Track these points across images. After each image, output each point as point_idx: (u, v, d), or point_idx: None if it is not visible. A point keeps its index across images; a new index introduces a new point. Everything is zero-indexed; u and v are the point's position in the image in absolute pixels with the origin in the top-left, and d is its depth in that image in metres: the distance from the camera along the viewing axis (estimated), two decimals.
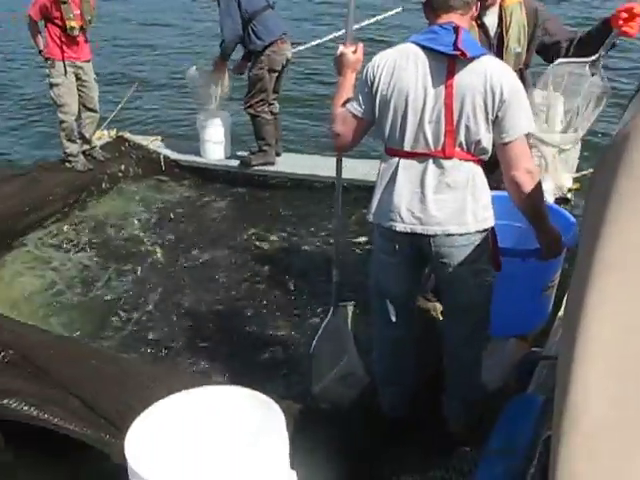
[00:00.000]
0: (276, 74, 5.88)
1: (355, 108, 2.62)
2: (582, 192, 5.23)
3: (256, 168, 6.14)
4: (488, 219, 2.59)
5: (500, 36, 3.33)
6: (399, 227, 2.58)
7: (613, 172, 1.20)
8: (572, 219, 3.34)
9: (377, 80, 2.52)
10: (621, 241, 1.13)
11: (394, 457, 2.86)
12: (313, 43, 6.78)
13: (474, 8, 2.57)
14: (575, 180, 5.30)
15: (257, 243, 5.22)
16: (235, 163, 6.27)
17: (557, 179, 5.08)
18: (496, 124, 2.46)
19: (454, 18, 2.48)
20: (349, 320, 3.29)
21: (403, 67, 2.48)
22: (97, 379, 3.17)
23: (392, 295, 2.80)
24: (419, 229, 2.55)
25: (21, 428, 3.15)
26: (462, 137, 2.47)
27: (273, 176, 6.23)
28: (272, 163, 6.14)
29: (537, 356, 3.12)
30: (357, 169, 5.48)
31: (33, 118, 8.91)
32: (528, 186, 2.51)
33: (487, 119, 2.45)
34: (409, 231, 2.57)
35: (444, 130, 2.47)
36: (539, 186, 2.57)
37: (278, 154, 6.24)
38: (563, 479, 1.02)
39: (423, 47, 2.47)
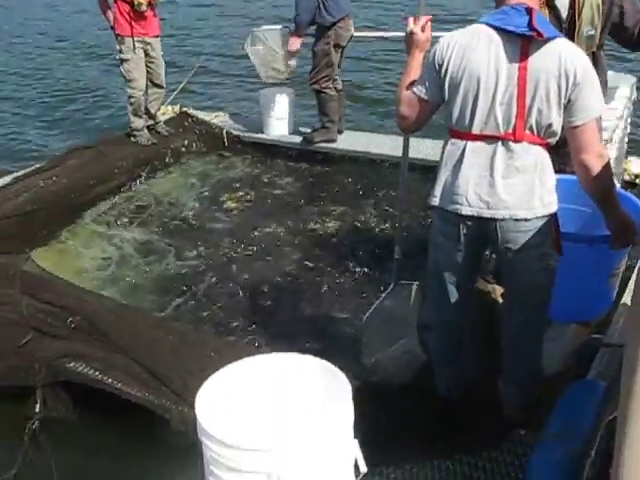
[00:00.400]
0: (340, 50, 5.85)
1: (421, 91, 2.57)
2: None
3: (318, 145, 6.15)
4: (553, 203, 2.54)
5: (572, 19, 3.21)
6: (465, 211, 2.52)
7: None
8: None
9: (446, 63, 2.46)
10: None
11: (447, 437, 2.85)
12: (379, 34, 6.72)
13: None
14: None
15: (319, 220, 5.22)
16: (297, 140, 6.28)
17: (624, 163, 4.98)
18: (568, 108, 2.40)
19: None
20: (411, 300, 3.27)
21: (474, 48, 2.41)
22: (159, 347, 3.25)
23: (451, 278, 2.75)
24: (486, 213, 2.50)
25: (86, 391, 3.27)
26: (533, 120, 2.41)
27: (335, 153, 6.21)
28: (334, 140, 6.12)
29: (598, 343, 3.06)
30: (420, 149, 5.43)
31: (102, 92, 9.12)
32: (598, 170, 2.45)
33: (559, 103, 2.39)
34: (475, 215, 2.51)
35: (515, 113, 2.41)
36: (609, 170, 2.51)
37: (340, 131, 6.23)
38: (630, 460, 1.00)
39: (495, 28, 2.41)
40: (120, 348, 3.27)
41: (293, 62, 6.06)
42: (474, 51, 2.42)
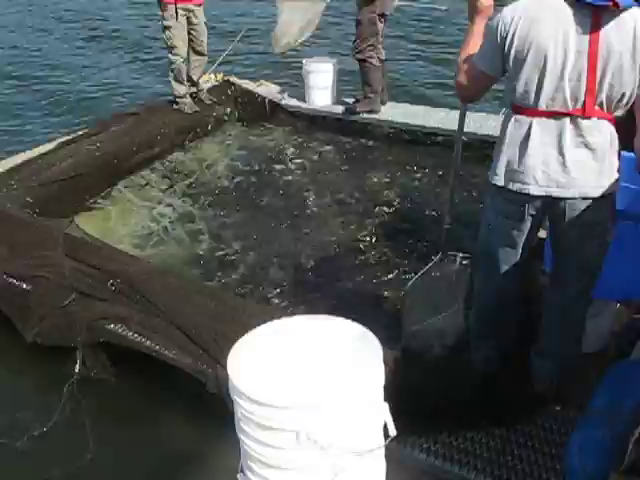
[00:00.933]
0: (384, 19, 5.77)
1: (482, 63, 2.47)
2: None
3: (361, 115, 6.09)
4: (617, 180, 2.48)
5: None
6: (533, 190, 2.44)
7: None
8: None
9: (510, 35, 2.33)
10: None
11: (482, 410, 2.84)
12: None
13: None
14: None
15: (361, 191, 5.20)
16: (340, 110, 6.24)
17: None
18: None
19: None
20: (457, 271, 3.23)
21: (541, 19, 2.29)
22: (197, 311, 3.27)
23: (504, 258, 2.69)
24: (556, 192, 2.43)
25: (125, 354, 3.33)
26: (604, 96, 2.32)
27: (378, 124, 6.14)
28: (377, 111, 6.07)
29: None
30: (470, 123, 5.35)
31: (146, 59, 9.16)
32: None
33: (635, 78, 2.30)
34: (544, 194, 2.44)
35: (585, 89, 2.31)
36: None
37: (384, 102, 6.16)
38: None
39: None
40: (159, 311, 3.30)
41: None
42: (541, 23, 2.29)
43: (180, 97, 6.22)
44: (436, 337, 3.13)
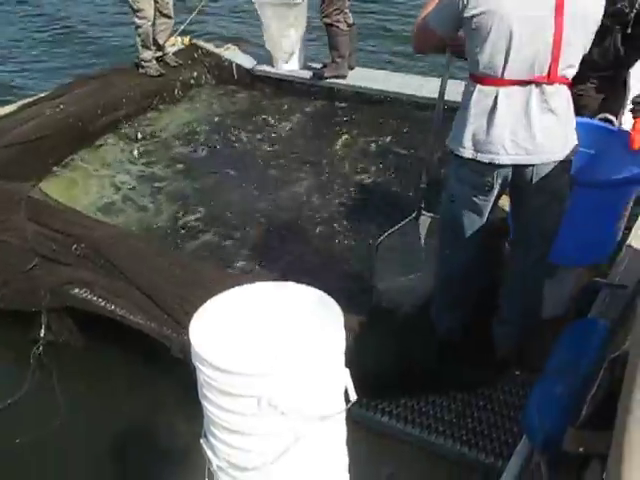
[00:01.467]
0: None
1: (434, 23, 2.47)
2: None
3: (328, 80, 6.06)
4: (577, 142, 2.53)
5: None
6: (502, 160, 2.45)
7: None
8: None
9: (472, 6, 2.30)
10: None
11: (444, 374, 2.90)
12: None
13: None
14: None
15: (329, 156, 5.19)
16: (307, 75, 6.20)
17: None
18: None
19: None
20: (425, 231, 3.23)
21: None
22: (162, 276, 3.27)
23: (469, 229, 2.72)
24: (524, 159, 2.45)
25: (92, 318, 3.32)
26: (568, 62, 2.36)
27: (345, 89, 6.11)
28: (344, 76, 6.03)
29: (598, 285, 3.07)
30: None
31: (109, 22, 9.00)
32: None
33: (589, 40, 2.36)
34: (512, 162, 2.46)
35: (551, 57, 2.32)
36: None
37: (351, 67, 6.13)
38: None
39: None
40: (124, 276, 3.29)
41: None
42: None
43: (146, 61, 6.11)
44: (406, 296, 3.16)
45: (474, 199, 2.61)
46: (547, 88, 2.38)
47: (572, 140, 2.49)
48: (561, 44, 2.30)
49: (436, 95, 2.85)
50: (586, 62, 2.77)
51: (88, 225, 3.67)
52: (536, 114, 2.40)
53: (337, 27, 5.73)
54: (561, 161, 2.47)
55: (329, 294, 1.87)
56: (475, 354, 2.96)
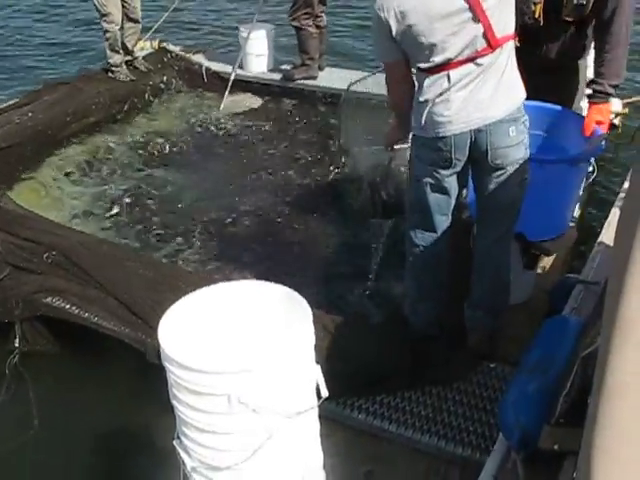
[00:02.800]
0: None
1: (383, 58, 2.67)
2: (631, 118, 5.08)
3: (298, 82, 6.07)
4: (523, 95, 2.61)
5: None
6: (454, 129, 2.56)
7: None
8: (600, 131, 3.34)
9: (393, 17, 2.46)
10: None
11: (418, 370, 2.91)
12: None
13: None
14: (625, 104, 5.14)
15: (296, 156, 5.22)
16: (277, 77, 6.20)
17: None
18: None
19: None
20: None
21: None
22: (134, 280, 3.27)
23: (438, 209, 2.78)
24: (474, 123, 2.54)
25: (67, 325, 3.30)
26: (502, 24, 2.44)
27: (315, 90, 6.13)
28: (314, 77, 6.05)
29: (573, 281, 3.11)
30: None
31: (78, 28, 8.92)
32: None
33: None
34: (464, 130, 2.55)
35: (482, 29, 2.41)
36: None
37: (321, 68, 6.14)
38: (611, 388, 1.03)
39: None
40: (97, 282, 3.27)
41: None
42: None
43: (115, 65, 6.08)
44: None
45: (436, 175, 2.69)
46: (491, 54, 2.47)
47: (519, 90, 2.59)
48: (485, 14, 2.39)
49: None
50: (543, 60, 2.86)
51: (59, 232, 3.64)
52: (486, 83, 2.51)
53: (305, 30, 5.74)
54: (512, 123, 2.55)
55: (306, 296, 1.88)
56: (449, 347, 2.99)
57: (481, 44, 2.45)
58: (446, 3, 2.39)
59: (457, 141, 2.58)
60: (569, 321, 2.49)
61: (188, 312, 1.80)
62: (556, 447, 1.78)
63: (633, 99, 5.23)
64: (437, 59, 2.50)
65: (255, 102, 6.21)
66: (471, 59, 2.48)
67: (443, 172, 2.68)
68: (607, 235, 3.32)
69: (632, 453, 1.00)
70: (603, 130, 3.27)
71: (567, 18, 3.23)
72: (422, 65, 2.56)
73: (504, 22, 2.46)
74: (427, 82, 2.58)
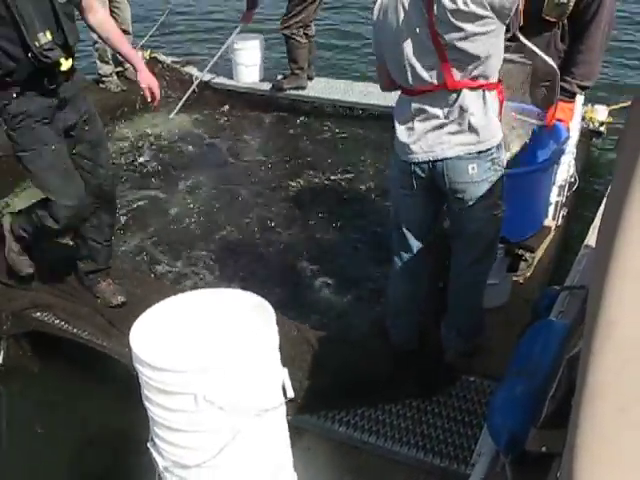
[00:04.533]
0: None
1: (377, 59, 2.71)
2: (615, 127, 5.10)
3: (288, 92, 6.10)
4: (491, 140, 2.55)
5: None
6: (414, 158, 2.60)
7: None
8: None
9: (375, 24, 2.57)
10: None
11: (397, 382, 2.94)
12: None
13: None
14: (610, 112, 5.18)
15: (286, 167, 5.25)
16: (267, 87, 6.23)
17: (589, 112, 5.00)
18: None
19: None
20: None
21: (388, 7, 2.48)
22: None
23: (410, 229, 2.82)
24: (430, 156, 2.57)
25: (47, 339, 3.33)
26: (461, 67, 2.41)
27: (305, 100, 6.17)
28: (304, 87, 6.08)
29: (556, 291, 3.12)
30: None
31: None
32: None
33: (483, 43, 2.35)
34: (425, 160, 2.58)
35: (439, 63, 2.41)
36: None
37: (310, 78, 6.17)
38: (593, 389, 1.05)
39: None
40: (84, 298, 3.27)
41: None
42: (389, 8, 2.48)
43: (105, 76, 6.11)
44: None
45: (404, 197, 2.76)
46: (451, 93, 2.47)
47: (485, 137, 2.53)
48: (443, 50, 2.37)
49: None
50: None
51: (47, 248, 3.62)
52: (441, 116, 2.51)
53: (295, 40, 5.77)
54: (473, 162, 2.54)
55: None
56: (427, 362, 3.02)
57: (437, 78, 2.45)
58: (411, 27, 2.41)
59: (416, 168, 2.63)
60: (555, 324, 2.50)
61: (158, 318, 1.88)
62: (544, 449, 1.79)
63: (619, 105, 5.27)
64: (399, 79, 2.57)
65: (245, 111, 6.23)
66: (428, 90, 2.49)
67: (406, 192, 2.73)
68: (592, 238, 3.36)
69: (613, 453, 1.02)
70: (565, 125, 3.35)
71: (548, 17, 3.24)
72: (396, 82, 2.63)
73: (471, 66, 2.41)
74: (398, 102, 2.68)
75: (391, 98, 5.24)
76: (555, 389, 1.83)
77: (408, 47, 2.45)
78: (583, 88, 3.32)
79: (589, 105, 5.08)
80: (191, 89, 6.17)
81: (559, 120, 3.30)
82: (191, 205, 4.75)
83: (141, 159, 5.43)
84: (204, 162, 5.40)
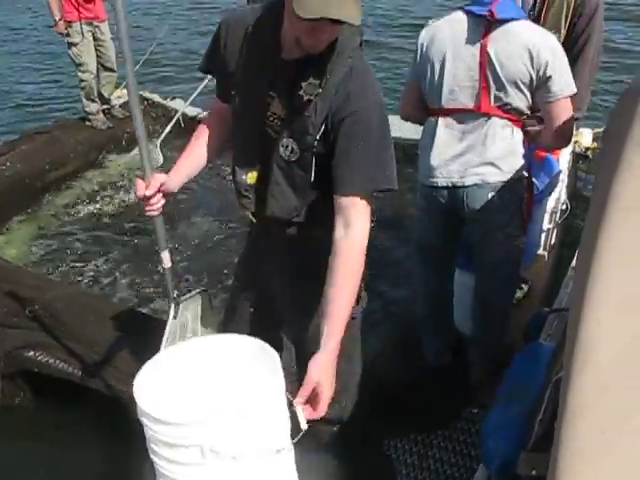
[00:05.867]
0: None
1: (408, 78, 2.80)
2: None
3: None
4: (512, 171, 2.62)
5: (537, 17, 3.19)
6: (435, 182, 2.66)
7: (630, 116, 1.20)
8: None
9: (419, 46, 2.66)
10: (637, 185, 1.14)
11: (400, 419, 2.93)
12: None
13: None
14: (596, 135, 5.24)
15: None
16: None
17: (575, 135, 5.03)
18: (538, 86, 2.49)
19: None
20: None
21: (442, 29, 2.58)
22: (117, 335, 3.25)
23: (432, 253, 2.89)
24: (453, 181, 2.62)
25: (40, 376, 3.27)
26: (494, 95, 2.52)
27: None
28: None
29: (546, 312, 3.16)
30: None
31: (53, 77, 8.97)
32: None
33: (522, 82, 2.48)
34: (447, 185, 2.63)
35: (479, 87, 2.52)
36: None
37: None
38: (573, 411, 1.07)
39: (465, 12, 2.56)
40: (78, 337, 3.26)
41: None
42: (442, 33, 2.58)
43: (92, 114, 6.15)
44: None
45: (425, 220, 2.82)
46: (479, 118, 2.56)
47: (505, 168, 2.59)
48: (487, 77, 2.50)
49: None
50: None
51: (39, 285, 3.63)
52: (468, 141, 2.59)
53: None
54: (492, 190, 2.60)
55: None
56: (432, 396, 3.01)
57: (471, 100, 2.55)
58: (472, 46, 2.51)
59: (437, 193, 2.68)
60: (543, 347, 2.52)
61: (161, 367, 1.84)
62: (534, 472, 1.79)
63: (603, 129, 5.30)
64: (433, 98, 2.64)
65: None
66: (458, 110, 2.57)
67: (430, 218, 2.79)
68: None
69: (594, 472, 1.04)
70: (554, 157, 3.36)
71: None
72: (426, 102, 2.71)
73: (502, 99, 2.52)
74: (426, 124, 2.73)
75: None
76: (543, 412, 1.85)
77: (453, 66, 2.54)
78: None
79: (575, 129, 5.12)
80: (174, 120, 6.12)
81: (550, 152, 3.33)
82: (187, 235, 4.75)
83: (131, 196, 5.41)
84: (197, 196, 5.41)
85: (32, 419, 3.33)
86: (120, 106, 6.51)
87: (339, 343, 1.79)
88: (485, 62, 2.49)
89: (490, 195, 2.59)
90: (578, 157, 5.20)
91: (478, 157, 2.58)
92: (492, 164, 2.58)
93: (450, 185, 2.63)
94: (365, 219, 1.86)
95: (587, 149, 5.18)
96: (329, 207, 1.90)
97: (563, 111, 2.54)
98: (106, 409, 3.08)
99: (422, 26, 2.74)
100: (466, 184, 2.60)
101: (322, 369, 1.75)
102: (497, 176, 2.58)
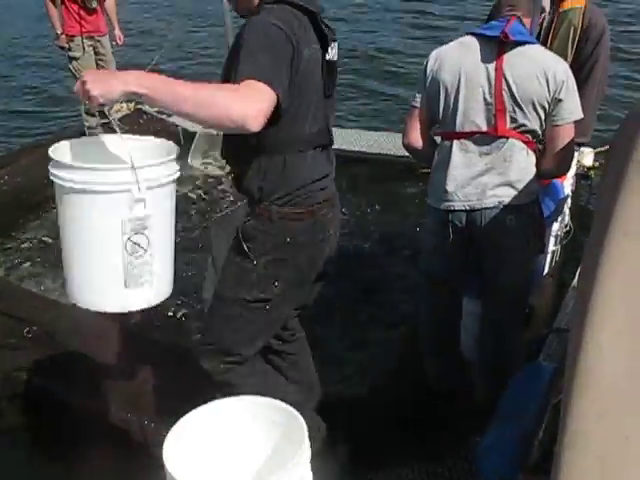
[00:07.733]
0: None
1: (414, 101, 2.73)
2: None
3: None
4: (530, 195, 2.61)
5: (543, 44, 3.18)
6: (451, 205, 2.62)
7: (632, 141, 1.20)
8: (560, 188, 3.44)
9: (429, 72, 2.64)
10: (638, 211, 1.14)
11: (404, 448, 2.88)
12: None
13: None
14: (597, 155, 5.22)
15: None
16: None
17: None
18: (550, 108, 2.50)
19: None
20: None
21: (454, 55, 2.59)
22: (125, 359, 3.22)
23: (440, 277, 2.82)
24: (469, 204, 2.60)
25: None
26: (510, 117, 2.52)
27: None
28: None
29: (545, 333, 3.15)
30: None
31: (54, 91, 8.99)
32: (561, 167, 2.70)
33: (538, 103, 2.49)
34: (463, 209, 2.60)
35: (494, 110, 2.51)
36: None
37: None
38: (573, 436, 1.06)
39: (476, 35, 2.58)
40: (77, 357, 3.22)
41: None
42: (453, 57, 2.59)
43: (92, 128, 6.14)
44: None
45: (436, 246, 2.75)
46: (496, 140, 2.55)
47: (523, 191, 2.58)
48: (503, 99, 2.49)
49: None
50: None
51: (38, 305, 3.60)
52: (484, 164, 2.57)
53: None
54: (511, 213, 2.58)
55: None
56: (434, 425, 2.97)
57: (487, 124, 2.53)
58: (485, 68, 2.51)
59: (453, 217, 2.63)
60: (543, 367, 2.51)
61: (189, 430, 1.77)
62: None
63: (605, 148, 5.28)
64: (446, 122, 2.62)
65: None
66: (474, 134, 2.56)
67: (443, 243, 2.71)
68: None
69: None
70: (560, 181, 3.35)
71: None
72: (438, 126, 2.71)
73: (517, 120, 2.52)
74: (438, 148, 2.71)
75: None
76: (542, 433, 1.84)
77: (467, 90, 2.54)
78: (579, 145, 3.36)
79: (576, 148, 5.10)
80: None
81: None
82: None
83: None
84: (190, 211, 5.37)
85: (32, 442, 3.25)
86: (120, 120, 6.49)
87: (140, 80, 1.85)
88: (500, 84, 2.48)
89: (507, 217, 2.58)
90: (580, 177, 5.18)
91: (498, 178, 2.56)
92: (511, 185, 2.57)
93: (468, 208, 2.60)
94: (249, 99, 1.91)
95: (589, 169, 5.16)
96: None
97: (568, 136, 2.55)
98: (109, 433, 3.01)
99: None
100: (484, 206, 2.58)
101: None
102: (514, 198, 2.57)
